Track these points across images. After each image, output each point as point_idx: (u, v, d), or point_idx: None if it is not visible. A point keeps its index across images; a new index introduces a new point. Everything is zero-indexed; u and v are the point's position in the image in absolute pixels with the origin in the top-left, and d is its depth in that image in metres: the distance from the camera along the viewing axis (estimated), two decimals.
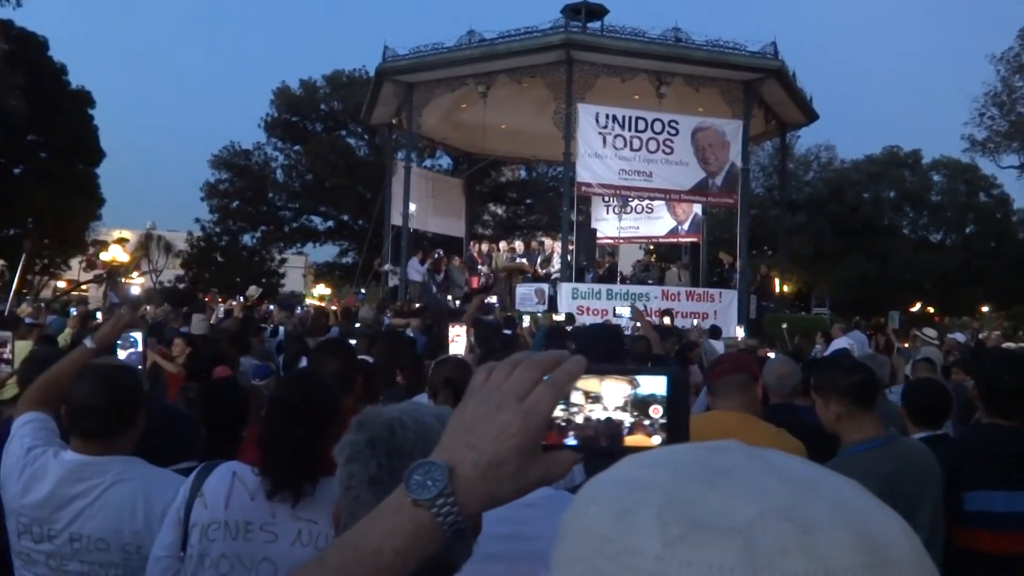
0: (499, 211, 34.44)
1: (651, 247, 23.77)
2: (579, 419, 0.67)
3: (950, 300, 34.55)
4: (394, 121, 18.25)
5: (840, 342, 11.02)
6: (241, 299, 12.27)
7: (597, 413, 0.67)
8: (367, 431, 1.10)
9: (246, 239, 36.17)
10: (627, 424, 0.66)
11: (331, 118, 33.47)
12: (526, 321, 9.38)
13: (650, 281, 16.34)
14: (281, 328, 8.33)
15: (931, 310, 36.12)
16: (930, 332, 10.37)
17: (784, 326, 13.60)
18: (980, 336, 14.33)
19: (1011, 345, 7.80)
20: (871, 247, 32.37)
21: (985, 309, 37.57)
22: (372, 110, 18.56)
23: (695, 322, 12.40)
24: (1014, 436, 2.78)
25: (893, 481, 2.43)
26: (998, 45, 24.31)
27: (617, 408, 0.66)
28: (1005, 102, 23.88)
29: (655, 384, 0.67)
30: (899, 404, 3.61)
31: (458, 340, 4.42)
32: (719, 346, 10.23)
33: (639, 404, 0.66)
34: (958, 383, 6.18)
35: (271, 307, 10.60)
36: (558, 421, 0.67)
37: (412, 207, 16.99)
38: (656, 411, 0.66)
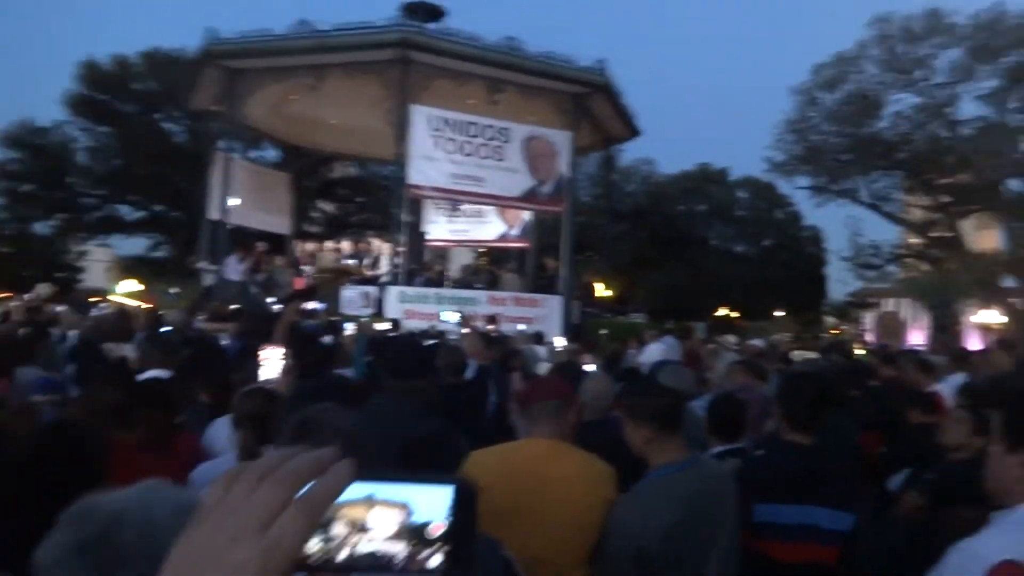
0: (329, 208, 33.42)
1: (483, 251, 23.98)
2: (341, 555, 0.54)
3: (751, 306, 37.77)
4: (215, 108, 17.15)
5: (653, 348, 11.64)
6: (26, 297, 10.97)
7: (363, 545, 0.55)
8: (78, 529, 0.88)
9: (39, 227, 32.64)
10: (400, 557, 0.56)
11: (145, 99, 30.93)
12: (349, 328, 9.09)
13: (478, 286, 16.46)
14: (71, 333, 7.45)
15: (735, 315, 39.30)
16: (730, 339, 11.19)
17: (603, 332, 14.16)
18: (774, 341, 15.63)
19: (805, 353, 8.57)
20: (684, 256, 34.69)
21: (779, 314, 41.40)
22: (191, 95, 17.36)
23: (519, 327, 12.64)
24: (807, 453, 3.01)
25: (694, 503, 2.53)
26: (797, 78, 26.71)
27: (388, 538, 0.56)
28: (801, 129, 26.31)
29: (436, 499, 0.58)
30: (704, 416, 3.80)
31: (268, 363, 4.04)
32: (542, 352, 10.48)
33: (415, 532, 0.55)
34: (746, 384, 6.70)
35: (58, 308, 9.40)
36: (313, 559, 0.54)
37: (234, 200, 16.04)
38: (437, 529, 0.57)
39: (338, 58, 14.98)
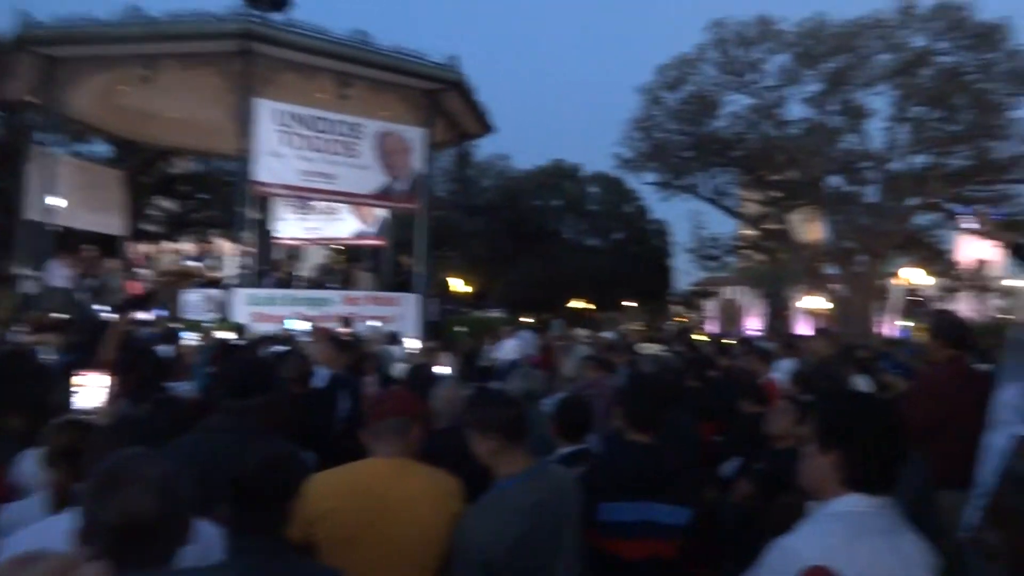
0: (169, 206, 31.41)
1: (340, 249, 23.37)
2: None
3: (603, 297, 39.17)
4: (32, 99, 15.64)
5: (509, 344, 11.79)
6: None
7: None
8: None
9: None
10: None
11: None
12: (189, 338, 8.55)
13: (332, 285, 16.02)
14: None
15: (589, 306, 40.65)
16: (582, 332, 11.53)
17: (461, 329, 14.19)
18: (624, 332, 16.24)
19: (651, 345, 8.95)
20: (539, 250, 35.41)
21: (629, 304, 43.23)
22: (3, 84, 15.74)
23: (370, 323, 12.43)
24: (647, 452, 3.11)
25: (540, 510, 2.54)
26: (643, 78, 27.92)
27: None
28: (646, 127, 27.50)
29: None
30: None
31: (88, 388, 3.64)
32: (398, 351, 10.34)
33: None
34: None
35: None
36: None
37: (57, 200, 14.71)
38: None
39: (173, 48, 14.07)
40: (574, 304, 39.55)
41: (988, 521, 2.51)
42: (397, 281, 17.60)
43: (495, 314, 21.93)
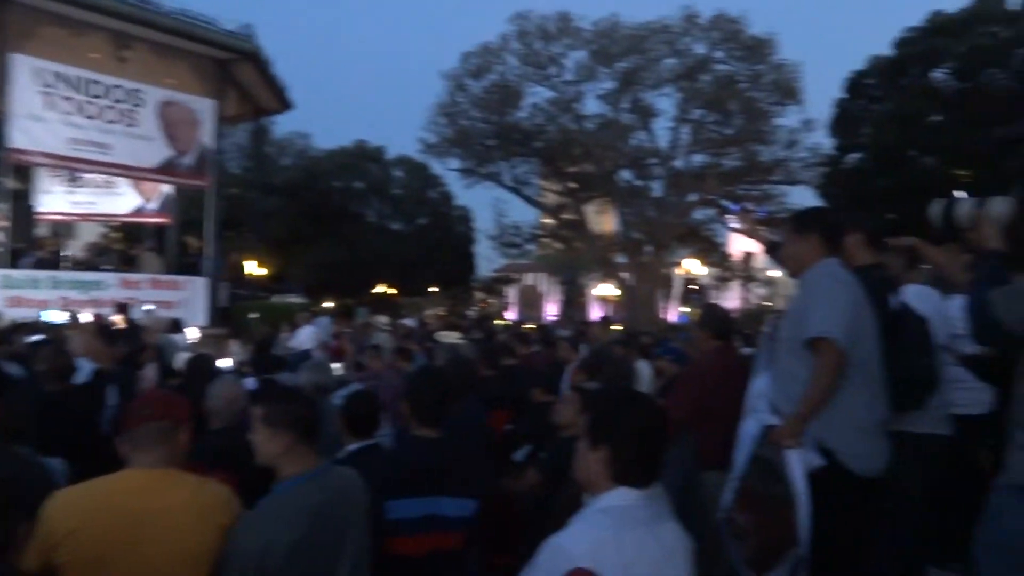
0: None
1: (116, 227, 21.27)
2: None
3: (408, 283, 38.98)
4: None
5: (306, 331, 11.35)
6: None
7: None
8: None
9: None
10: None
11: None
12: None
13: (107, 267, 14.55)
14: None
15: (392, 292, 40.30)
16: (382, 319, 11.37)
17: (254, 315, 13.48)
18: (424, 319, 16.26)
19: (449, 334, 8.99)
20: (341, 233, 34.51)
21: (433, 289, 43.41)
22: None
23: (147, 307, 11.49)
24: (433, 446, 3.07)
25: (322, 513, 2.43)
26: (449, 63, 28.03)
27: None
28: (451, 113, 27.65)
29: None
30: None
31: None
32: (181, 339, 9.61)
33: None
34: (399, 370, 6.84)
35: None
36: None
37: None
38: None
39: None
40: (377, 289, 39.05)
41: (738, 503, 2.73)
42: (183, 263, 16.34)
43: (293, 299, 21.07)
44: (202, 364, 4.96)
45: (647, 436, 1.84)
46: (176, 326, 9.95)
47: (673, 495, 3.18)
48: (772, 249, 3.42)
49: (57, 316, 9.61)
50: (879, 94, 23.98)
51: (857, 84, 24.56)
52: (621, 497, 1.80)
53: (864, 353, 2.77)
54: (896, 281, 3.35)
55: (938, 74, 22.75)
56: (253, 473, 2.89)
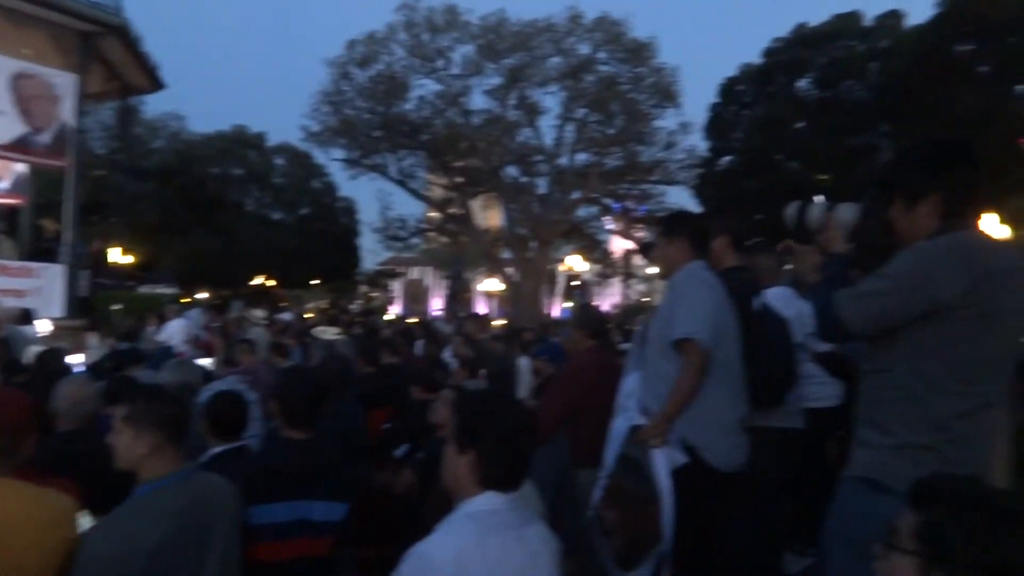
0: None
1: None
2: None
3: (288, 275, 37.78)
4: None
5: (174, 325, 10.80)
6: None
7: None
8: None
9: None
10: None
11: None
12: None
13: None
14: None
15: (272, 283, 38.98)
16: (258, 313, 10.97)
17: (116, 307, 12.69)
18: (303, 314, 15.82)
19: (327, 330, 8.75)
20: (218, 221, 33.03)
21: (315, 282, 42.31)
22: None
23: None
24: (302, 448, 2.97)
25: (184, 518, 2.30)
26: (334, 50, 27.25)
27: None
28: (336, 102, 26.96)
29: None
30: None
31: None
32: (32, 331, 8.90)
33: None
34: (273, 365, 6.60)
35: None
36: None
37: None
38: None
39: None
40: (256, 281, 37.65)
41: (606, 501, 2.80)
42: (38, 248, 15.15)
43: (163, 290, 20.00)
44: (50, 360, 4.59)
45: (513, 440, 1.84)
46: (26, 317, 9.21)
47: (547, 494, 3.22)
48: (646, 250, 3.53)
49: None
50: (749, 100, 25.26)
51: (729, 90, 25.79)
52: (487, 502, 1.79)
53: (726, 353, 2.89)
54: (761, 282, 3.51)
55: (802, 83, 24.20)
56: (102, 480, 2.71)
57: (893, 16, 22.67)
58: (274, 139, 38.08)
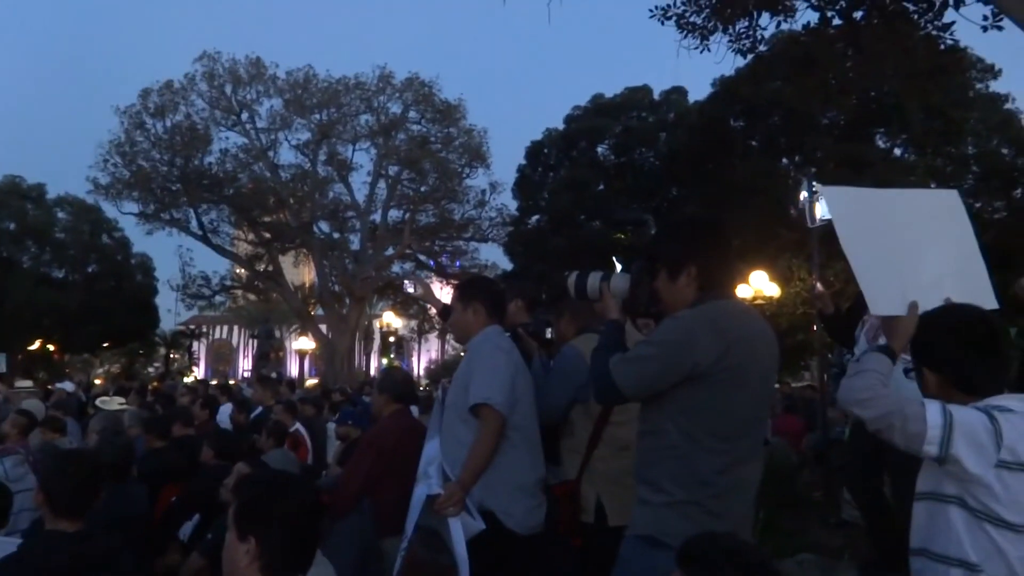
0: None
1: None
2: None
3: (72, 337, 34.29)
4: None
5: None
6: None
7: None
8: None
9: None
10: None
11: None
12: None
13: None
14: None
15: (51, 347, 35.18)
16: (26, 383, 9.87)
17: None
18: (93, 383, 14.42)
19: (111, 400, 7.97)
20: None
21: (106, 345, 38.68)
22: None
23: None
24: (74, 541, 2.67)
25: None
26: (123, 99, 25.60)
27: None
28: (127, 152, 25.23)
29: None
30: None
31: None
32: None
33: None
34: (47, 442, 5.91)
35: None
36: None
37: None
38: None
39: None
40: (34, 345, 33.82)
41: (405, 572, 2.75)
42: None
43: None
44: None
45: (298, 523, 1.77)
46: None
47: (352, 566, 3.12)
48: (444, 314, 3.58)
49: None
50: (554, 163, 26.66)
51: (536, 153, 27.07)
52: None
53: (523, 416, 2.98)
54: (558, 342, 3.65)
55: (601, 148, 25.95)
56: None
57: (677, 92, 25.00)
58: (55, 191, 34.85)
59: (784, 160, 20.79)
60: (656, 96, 25.76)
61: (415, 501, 2.90)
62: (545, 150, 27.00)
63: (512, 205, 28.27)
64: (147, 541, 3.86)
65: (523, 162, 27.60)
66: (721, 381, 2.05)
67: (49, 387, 11.76)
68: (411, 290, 26.58)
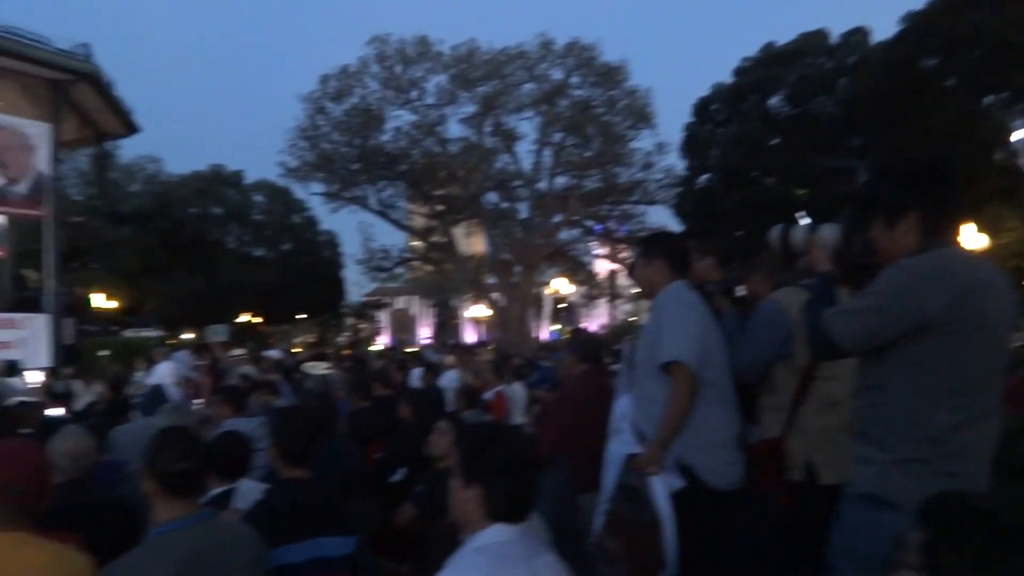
0: None
1: None
2: None
3: (272, 310, 37.61)
4: None
5: (163, 368, 10.71)
6: None
7: None
8: None
9: None
10: None
11: None
12: None
13: None
14: None
15: (257, 320, 38.75)
16: (240, 351, 10.95)
17: (104, 353, 12.59)
18: (295, 351, 15.76)
19: (317, 365, 8.71)
20: (199, 262, 32.90)
21: (301, 317, 42.11)
22: None
23: None
24: (306, 488, 2.97)
25: (200, 560, 2.28)
26: (307, 86, 27.36)
27: None
28: (311, 136, 27.03)
29: None
30: None
31: None
32: (17, 383, 8.81)
33: None
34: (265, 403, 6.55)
35: None
36: None
37: None
38: None
39: None
40: (242, 319, 37.42)
41: (607, 529, 2.80)
42: (21, 299, 15.06)
43: (149, 333, 19.84)
44: (36, 416, 4.56)
45: (519, 470, 1.85)
46: (11, 369, 9.12)
47: (549, 523, 3.24)
48: (631, 270, 3.59)
49: None
50: (723, 118, 25.62)
51: (703, 109, 26.17)
52: (496, 535, 1.80)
53: (715, 372, 2.93)
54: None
55: (774, 100, 24.59)
56: (102, 530, 2.70)
57: (859, 33, 23.15)
58: (252, 176, 38.14)
59: (989, 98, 18.69)
60: (834, 40, 23.96)
61: (611, 457, 2.95)
62: (713, 106, 26.02)
63: (680, 165, 27.56)
64: (363, 490, 4.20)
65: (690, 119, 26.76)
66: (954, 332, 1.91)
67: (258, 355, 12.96)
68: (598, 248, 26.21)
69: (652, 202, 28.04)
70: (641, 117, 26.82)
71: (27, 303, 14.60)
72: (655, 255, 3.16)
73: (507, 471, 1.83)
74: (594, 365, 4.13)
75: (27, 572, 2.06)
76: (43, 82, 14.16)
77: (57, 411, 6.08)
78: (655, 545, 2.59)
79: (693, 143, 26.20)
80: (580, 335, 4.55)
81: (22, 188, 13.89)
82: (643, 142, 27.31)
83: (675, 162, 27.57)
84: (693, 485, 2.79)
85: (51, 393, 7.59)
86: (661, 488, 2.67)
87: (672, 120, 27.82)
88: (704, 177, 26.19)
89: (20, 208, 14.27)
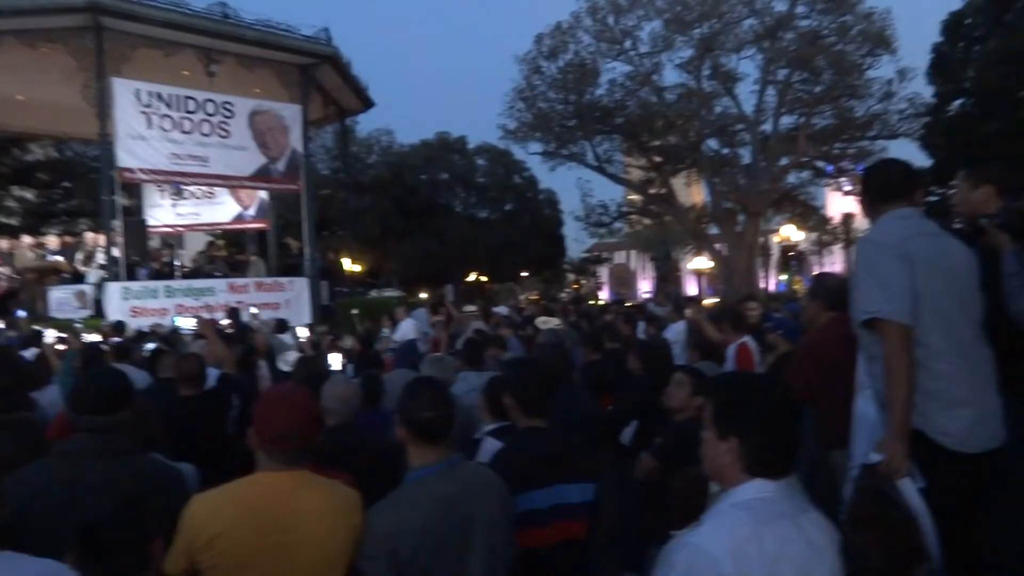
0: (28, 196, 29.00)
1: (218, 235, 22.27)
2: None
3: (497, 269, 39.29)
4: None
5: (406, 324, 11.56)
6: None
7: None
8: None
9: None
10: None
11: None
12: (49, 337, 7.82)
13: (217, 273, 15.25)
14: None
15: (484, 278, 40.70)
16: (470, 308, 11.48)
17: (354, 311, 13.83)
18: (522, 307, 16.30)
19: (548, 320, 8.95)
20: (431, 225, 35.05)
21: (524, 274, 43.61)
22: None
23: (253, 310, 11.90)
24: (545, 436, 3.06)
25: (451, 504, 2.43)
26: (522, 47, 27.86)
27: None
28: (528, 97, 27.51)
29: None
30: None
31: None
32: (288, 339, 9.95)
33: None
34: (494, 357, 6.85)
35: None
36: None
37: None
38: None
39: (11, 24, 12.84)
40: (470, 277, 39.49)
41: (851, 525, 2.52)
42: (285, 264, 17.00)
43: (390, 293, 21.56)
44: (312, 367, 5.10)
45: (778, 422, 1.75)
46: (282, 326, 10.32)
47: (800, 479, 3.06)
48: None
49: (185, 323, 10.13)
50: (981, 34, 22.40)
51: (955, 25, 23.04)
52: (757, 490, 1.71)
53: (938, 316, 2.58)
54: None
55: None
56: (366, 471, 2.95)
57: None
58: (474, 141, 39.76)
59: None
60: None
61: (859, 417, 2.71)
62: (968, 20, 22.83)
63: (927, 92, 24.61)
64: (599, 438, 4.25)
65: (939, 39, 23.72)
66: None
67: (488, 311, 13.56)
68: (843, 185, 24.52)
69: (894, 135, 25.40)
70: (879, 42, 24.22)
71: (290, 268, 16.43)
72: (864, 190, 2.85)
73: (767, 423, 1.73)
74: (841, 313, 3.82)
75: (308, 504, 2.31)
76: (293, 67, 15.65)
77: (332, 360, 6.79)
78: (911, 537, 2.32)
79: (943, 65, 23.21)
80: (825, 280, 4.20)
81: (280, 166, 15.54)
82: (882, 70, 24.73)
83: (921, 89, 24.72)
84: (929, 452, 2.48)
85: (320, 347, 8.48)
86: (911, 488, 2.40)
87: (916, 42, 24.86)
88: (958, 102, 23.16)
89: (280, 184, 15.99)
